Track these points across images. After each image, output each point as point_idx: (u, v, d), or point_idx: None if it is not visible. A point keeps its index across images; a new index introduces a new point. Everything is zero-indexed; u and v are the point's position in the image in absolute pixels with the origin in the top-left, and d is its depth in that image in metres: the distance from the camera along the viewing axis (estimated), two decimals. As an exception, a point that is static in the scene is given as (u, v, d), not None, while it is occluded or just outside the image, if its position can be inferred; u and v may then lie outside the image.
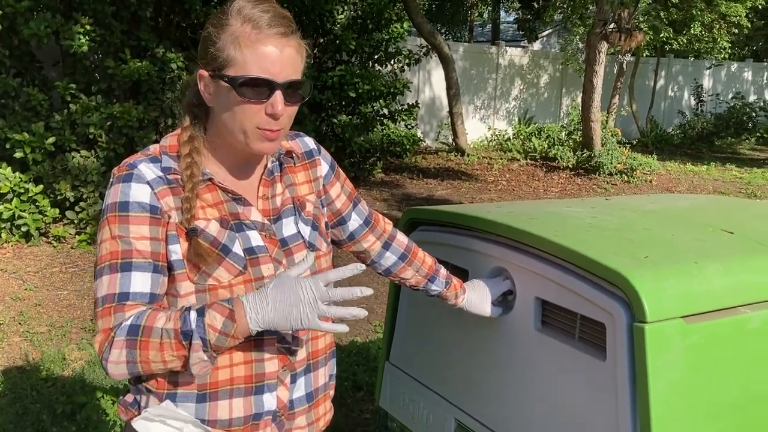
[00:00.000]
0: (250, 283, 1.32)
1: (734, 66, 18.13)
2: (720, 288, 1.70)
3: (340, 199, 1.60)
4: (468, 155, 11.60)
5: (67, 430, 3.19)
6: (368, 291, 1.26)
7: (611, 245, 1.83)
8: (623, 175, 10.62)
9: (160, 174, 1.30)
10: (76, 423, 3.25)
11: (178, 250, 1.29)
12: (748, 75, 18.31)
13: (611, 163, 10.63)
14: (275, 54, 1.25)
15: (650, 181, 10.62)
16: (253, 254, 1.34)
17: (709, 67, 17.09)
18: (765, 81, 18.64)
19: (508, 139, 12.97)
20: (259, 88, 1.25)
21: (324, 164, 1.56)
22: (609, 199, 2.62)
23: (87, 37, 6.24)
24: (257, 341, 1.36)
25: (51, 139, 6.24)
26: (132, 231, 1.26)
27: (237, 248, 1.32)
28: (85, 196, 6.36)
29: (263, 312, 1.23)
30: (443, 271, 1.83)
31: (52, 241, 6.31)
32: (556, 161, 11.27)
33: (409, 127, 10.02)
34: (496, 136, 13.15)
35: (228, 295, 1.30)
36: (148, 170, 1.30)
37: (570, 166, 11.05)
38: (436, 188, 9.64)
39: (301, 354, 1.44)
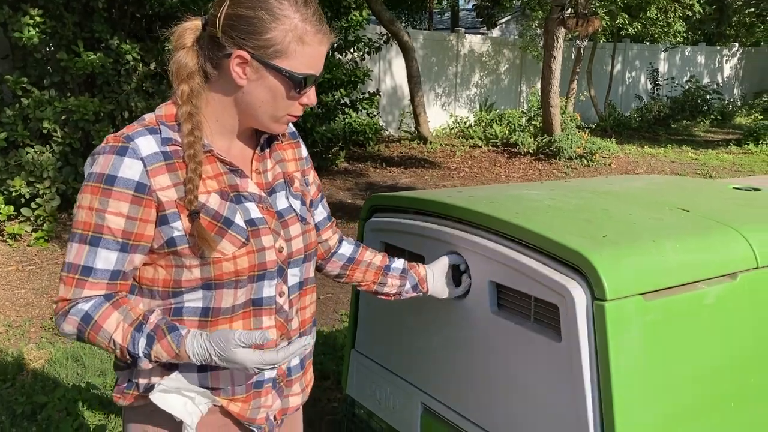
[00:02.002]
0: (252, 255, 1.36)
1: (688, 50, 18.48)
2: (677, 265, 1.73)
3: (314, 185, 1.63)
4: (430, 143, 11.63)
5: (28, 430, 3.12)
6: (305, 341, 1.35)
7: (570, 226, 1.85)
8: (583, 159, 10.76)
9: (160, 148, 1.30)
10: (37, 423, 3.18)
11: (180, 227, 1.31)
12: (701, 59, 18.69)
13: (571, 147, 10.77)
14: (323, 53, 1.35)
15: (609, 165, 10.79)
16: (254, 226, 1.37)
17: (666, 50, 17.39)
18: (717, 64, 19.05)
19: (470, 126, 13.03)
20: (303, 84, 1.32)
21: (304, 148, 1.62)
22: (568, 182, 2.65)
23: (37, 28, 6.07)
24: (256, 311, 1.41)
25: (2, 135, 6.06)
26: (111, 206, 1.27)
27: (239, 220, 1.36)
28: (41, 192, 6.20)
29: (209, 363, 1.31)
30: (399, 259, 1.82)
31: (7, 240, 6.15)
32: (517, 147, 11.36)
33: (371, 115, 9.99)
34: (458, 123, 13.20)
35: (232, 267, 1.33)
36: (146, 144, 1.29)
37: (531, 151, 11.16)
38: (400, 176, 9.65)
39: (295, 323, 1.49)
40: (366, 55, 9.79)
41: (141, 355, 1.29)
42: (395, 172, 9.89)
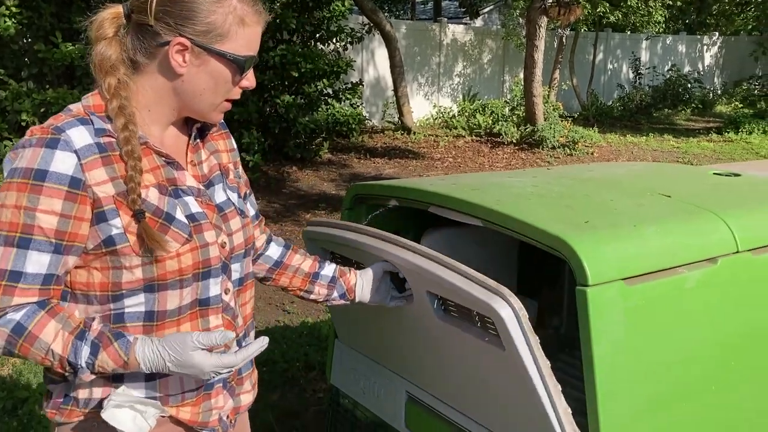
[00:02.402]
0: (196, 251, 1.30)
1: (669, 39, 18.58)
2: (658, 250, 1.74)
3: (242, 179, 1.55)
4: (414, 133, 11.61)
5: (9, 425, 3.09)
6: (263, 341, 1.31)
7: (552, 212, 1.85)
8: (566, 148, 10.80)
9: (93, 139, 1.22)
10: (18, 418, 3.15)
11: (119, 224, 1.23)
12: (682, 48, 18.80)
13: (554, 136, 10.80)
14: (260, 33, 1.32)
15: (592, 154, 10.84)
16: (195, 221, 1.31)
17: (647, 39, 17.47)
18: (698, 53, 19.17)
19: (453, 116, 13.03)
20: (246, 66, 1.29)
21: (233, 140, 1.55)
22: (550, 169, 2.65)
23: (13, 19, 5.98)
24: (203, 311, 1.35)
25: (-20, 128, 5.99)
26: (42, 203, 1.17)
27: (180, 215, 1.29)
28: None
29: (160, 370, 1.25)
30: (331, 265, 1.74)
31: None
32: (501, 137, 11.38)
33: (354, 106, 9.96)
34: (441, 113, 13.19)
35: (176, 266, 1.27)
36: (79, 135, 1.21)
37: (514, 141, 11.18)
38: (384, 167, 9.64)
39: (240, 320, 1.45)
40: (348, 45, 9.74)
41: (83, 365, 1.20)
42: (379, 163, 9.88)
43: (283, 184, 8.51)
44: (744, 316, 1.87)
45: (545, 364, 1.57)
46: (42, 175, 1.17)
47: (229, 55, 1.26)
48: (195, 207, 1.32)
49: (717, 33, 19.82)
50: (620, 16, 14.69)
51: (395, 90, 11.56)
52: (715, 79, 19.53)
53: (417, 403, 2.17)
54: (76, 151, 1.19)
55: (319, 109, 9.37)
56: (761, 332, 1.91)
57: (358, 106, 10.14)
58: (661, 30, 16.74)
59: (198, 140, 1.41)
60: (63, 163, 1.18)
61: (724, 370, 1.82)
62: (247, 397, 1.53)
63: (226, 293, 1.38)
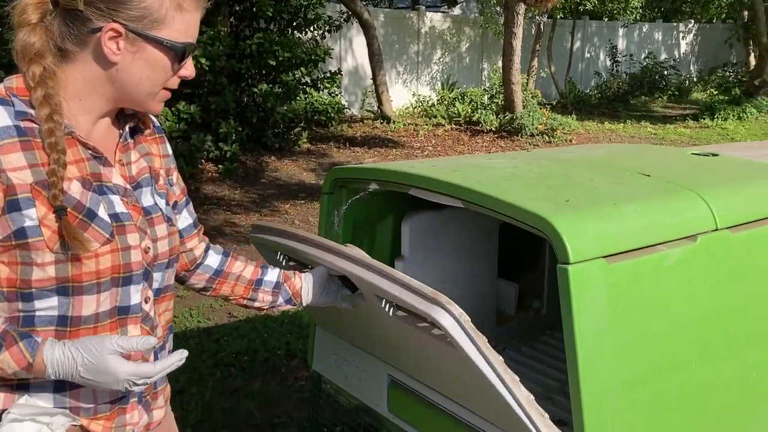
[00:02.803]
0: (117, 253, 1.22)
1: (645, 27, 18.70)
2: (638, 228, 1.74)
3: (178, 186, 1.49)
4: (394, 122, 11.58)
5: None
6: (182, 354, 1.23)
7: (533, 192, 1.84)
8: (544, 135, 10.85)
9: (12, 122, 1.14)
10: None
11: (33, 215, 1.13)
12: (658, 35, 18.94)
13: (533, 124, 10.84)
14: (199, 19, 1.26)
15: (570, 141, 10.90)
16: (119, 221, 1.23)
17: (624, 26, 17.56)
18: (674, 41, 19.33)
19: (433, 104, 13.01)
20: (184, 53, 1.23)
21: (168, 145, 1.48)
22: (530, 152, 2.65)
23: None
24: (122, 320, 1.27)
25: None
26: None
27: (102, 213, 1.21)
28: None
29: (69, 377, 1.15)
30: (274, 270, 1.67)
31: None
32: (480, 125, 11.40)
33: (332, 95, 9.90)
34: (421, 102, 13.16)
35: (93, 267, 1.19)
36: None
37: (493, 129, 11.20)
38: (364, 156, 9.61)
39: (159, 330, 1.37)
40: (326, 33, 9.67)
41: None
42: (359, 152, 9.84)
43: (261, 174, 8.45)
44: (722, 293, 1.89)
45: (497, 360, 1.55)
46: None
47: (166, 42, 1.19)
48: (120, 206, 1.25)
49: (692, 20, 19.99)
50: (597, 3, 14.75)
51: (374, 79, 11.52)
52: (691, 67, 19.71)
53: (399, 386, 2.17)
54: None
55: (298, 98, 9.30)
56: (739, 309, 1.93)
57: (336, 95, 10.09)
58: (637, 17, 16.84)
59: (129, 140, 1.33)
60: None
61: (703, 346, 1.83)
62: (160, 413, 1.42)
63: (146, 302, 1.30)
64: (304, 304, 1.69)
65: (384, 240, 2.50)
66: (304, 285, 1.68)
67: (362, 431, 2.48)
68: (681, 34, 19.48)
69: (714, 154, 2.43)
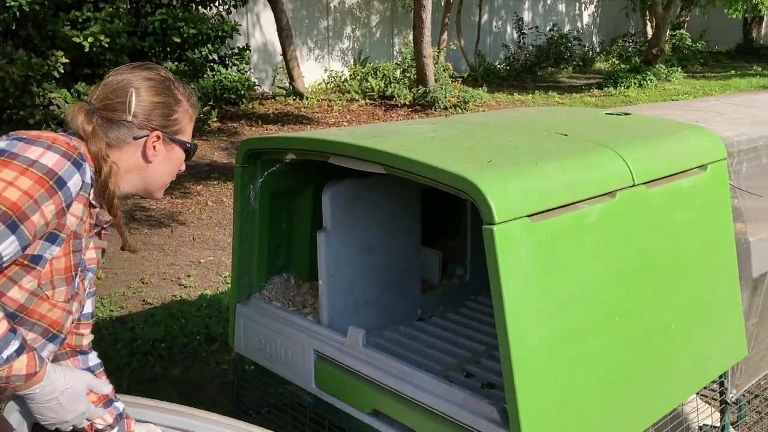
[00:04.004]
0: (65, 312, 1.41)
1: (549, -1, 19.11)
2: (560, 186, 1.73)
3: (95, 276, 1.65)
4: (307, 98, 11.38)
5: None
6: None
7: (454, 154, 1.81)
8: (457, 108, 10.93)
9: (88, 180, 1.36)
10: None
11: (54, 252, 1.33)
12: (562, 7, 19.39)
13: (445, 97, 10.90)
14: None
15: (483, 113, 11.05)
16: (75, 291, 1.43)
17: (529, -2, 17.89)
18: (577, 12, 19.86)
19: (345, 80, 12.87)
20: (193, 152, 1.57)
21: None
22: (448, 117, 2.62)
23: None
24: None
25: None
26: (46, 205, 1.27)
27: (78, 280, 1.42)
28: None
29: (49, 395, 1.34)
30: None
31: None
32: (394, 99, 11.36)
33: (242, 71, 9.60)
34: (333, 77, 12.99)
35: (45, 311, 1.36)
36: (87, 172, 1.36)
37: (407, 103, 11.20)
38: (277, 133, 9.40)
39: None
40: (232, 8, 9.34)
41: (5, 357, 1.25)
42: (272, 130, 9.63)
43: (171, 155, 8.13)
44: (641, 248, 1.92)
45: None
46: (61, 184, 1.29)
47: (188, 144, 1.52)
48: (78, 279, 1.44)
49: (593, -8, 20.58)
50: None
51: (284, 54, 11.26)
52: (594, 38, 20.33)
53: (326, 361, 2.11)
54: (83, 182, 1.34)
55: (205, 75, 8.96)
56: (657, 263, 1.97)
57: (246, 71, 9.79)
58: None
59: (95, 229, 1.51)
60: (75, 186, 1.32)
61: (626, 301, 1.86)
62: None
63: (48, 358, 1.45)
64: None
65: (304, 212, 2.42)
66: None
67: (290, 410, 2.42)
68: (583, 6, 20.04)
69: (626, 114, 2.47)
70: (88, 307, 1.60)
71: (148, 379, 3.34)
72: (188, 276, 4.83)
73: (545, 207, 1.66)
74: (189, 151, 1.54)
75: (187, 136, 1.53)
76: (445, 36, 14.16)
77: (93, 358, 1.64)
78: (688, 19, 19.78)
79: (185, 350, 3.64)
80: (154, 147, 1.46)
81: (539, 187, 1.68)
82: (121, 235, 1.50)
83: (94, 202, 1.40)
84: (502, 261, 1.54)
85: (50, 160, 1.29)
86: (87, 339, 1.64)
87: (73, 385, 1.37)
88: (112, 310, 4.18)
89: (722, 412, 2.33)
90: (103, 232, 1.51)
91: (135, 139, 1.44)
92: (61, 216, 1.31)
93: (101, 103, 1.43)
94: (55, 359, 1.58)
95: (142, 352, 3.59)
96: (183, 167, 1.58)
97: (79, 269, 1.42)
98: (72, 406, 1.36)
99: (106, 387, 1.50)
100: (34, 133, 1.35)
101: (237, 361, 2.50)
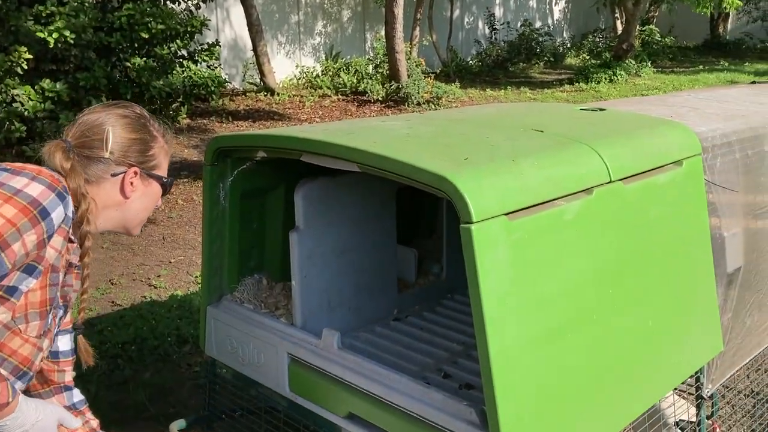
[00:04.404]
0: (36, 348, 1.41)
1: (520, -5, 19.18)
2: (537, 183, 1.70)
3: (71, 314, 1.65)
4: (278, 94, 11.27)
5: None
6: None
7: (430, 151, 1.77)
8: (430, 104, 10.91)
9: (69, 214, 1.36)
10: None
11: (30, 284, 1.33)
12: (533, 3, 19.48)
13: (418, 93, 10.88)
14: None
15: (456, 108, 11.05)
16: (47, 327, 1.43)
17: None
18: (548, 7, 19.98)
19: (317, 75, 12.78)
20: (170, 186, 1.59)
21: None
22: (423, 113, 2.58)
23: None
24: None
25: None
26: (28, 235, 1.27)
27: (51, 318, 1.42)
28: None
29: (19, 427, 1.35)
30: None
31: None
32: (367, 95, 11.31)
33: (212, 67, 9.46)
34: (305, 73, 12.89)
35: (16, 347, 1.36)
36: (69, 205, 1.37)
37: (380, 99, 11.15)
38: (248, 130, 9.29)
39: None
40: (201, 3, 9.20)
41: None
42: (243, 126, 9.52)
43: (140, 153, 7.98)
44: (618, 245, 1.90)
45: None
46: (44, 214, 1.30)
47: (164, 179, 1.55)
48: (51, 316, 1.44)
49: (563, -12, 20.70)
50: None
51: (255, 50, 11.14)
52: (564, 33, 20.47)
53: (300, 364, 2.06)
54: (66, 215, 1.35)
55: (174, 71, 8.80)
56: (633, 258, 1.95)
57: (216, 67, 9.65)
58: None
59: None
60: (57, 218, 1.32)
61: (603, 298, 1.84)
62: None
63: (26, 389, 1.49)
64: None
65: (276, 212, 2.37)
66: None
67: (263, 414, 2.36)
68: (554, 1, 20.15)
69: (601, 109, 2.46)
70: (68, 344, 1.62)
71: (118, 382, 3.26)
72: (158, 276, 4.73)
73: (523, 205, 1.63)
74: (166, 185, 1.56)
75: (163, 171, 1.56)
76: (417, 32, 14.12)
77: (77, 395, 1.65)
78: (656, 14, 19.99)
79: (156, 352, 3.56)
80: (132, 183, 1.49)
81: (517, 184, 1.65)
82: (82, 281, 1.49)
83: (72, 238, 1.41)
84: (480, 260, 1.50)
85: (35, 190, 1.31)
86: (69, 375, 1.65)
87: (44, 418, 1.38)
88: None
89: (698, 407, 2.33)
90: (75, 272, 1.51)
91: (113, 175, 1.46)
92: (41, 247, 1.31)
93: (78, 141, 1.45)
94: (39, 396, 1.59)
95: (111, 355, 3.50)
96: (160, 202, 1.61)
97: (54, 305, 1.41)
98: None
99: (76, 421, 1.51)
100: (18, 164, 1.36)
101: (209, 365, 2.43)
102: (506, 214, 1.59)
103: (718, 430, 2.67)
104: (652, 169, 2.02)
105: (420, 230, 2.84)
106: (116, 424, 2.94)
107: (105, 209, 1.48)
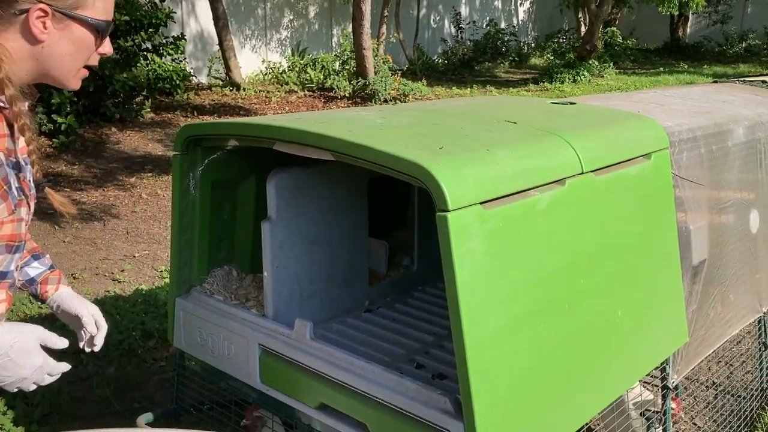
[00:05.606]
0: (14, 224, 1.31)
1: (486, -6, 19.32)
2: (512, 173, 1.71)
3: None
4: (244, 89, 11.17)
5: None
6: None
7: (405, 140, 1.76)
8: (397, 101, 10.92)
9: None
10: None
11: None
12: (498, 3, 19.65)
13: (385, 90, 10.88)
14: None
15: (422, 105, 11.06)
16: (21, 194, 1.32)
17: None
18: (513, 7, 20.16)
19: (284, 71, 12.69)
20: (106, 30, 1.32)
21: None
22: (395, 105, 2.58)
23: None
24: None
25: None
26: None
27: (14, 186, 1.29)
28: None
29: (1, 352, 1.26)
30: (43, 262, 1.69)
31: None
32: (334, 91, 11.27)
33: (177, 61, 9.33)
34: (271, 68, 12.79)
35: None
36: None
37: (347, 95, 11.12)
38: (214, 125, 9.18)
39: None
40: (166, -5, 9.07)
41: None
42: (208, 121, 9.40)
43: (102, 147, 7.83)
44: (589, 236, 1.92)
45: None
46: None
47: (90, 20, 1.28)
48: (16, 181, 1.31)
49: (528, -12, 20.91)
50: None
51: (220, 44, 11.01)
52: (529, 34, 20.68)
53: (271, 355, 2.04)
54: None
55: (138, 64, 8.67)
56: (603, 249, 1.98)
57: (181, 61, 9.52)
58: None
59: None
60: None
61: (574, 288, 1.86)
62: None
63: (16, 270, 1.39)
64: (59, 306, 1.74)
65: (248, 202, 2.34)
66: (54, 301, 1.71)
67: (233, 406, 2.34)
68: (519, 2, 20.35)
69: (572, 102, 2.48)
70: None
71: (81, 378, 3.19)
72: (122, 271, 4.65)
73: (498, 194, 1.64)
74: (97, 29, 1.29)
75: (92, 11, 1.28)
76: (384, 29, 14.14)
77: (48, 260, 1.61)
78: (618, 16, 20.33)
79: (120, 347, 3.49)
80: (43, 24, 1.24)
81: (492, 174, 1.66)
82: (23, 135, 1.31)
83: (9, 117, 1.26)
84: (455, 248, 1.50)
85: None
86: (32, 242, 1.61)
87: (21, 339, 1.28)
88: (41, 307, 3.98)
89: (664, 397, 2.38)
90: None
91: (16, 14, 1.22)
92: None
93: None
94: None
95: (73, 350, 3.42)
96: (106, 50, 1.35)
97: (10, 178, 1.27)
98: (25, 360, 1.28)
99: (61, 341, 1.36)
100: None
101: (176, 357, 2.40)
102: (481, 203, 1.59)
103: (681, 413, 2.73)
104: (622, 162, 2.05)
105: (391, 223, 2.83)
106: (80, 420, 2.88)
107: (21, 60, 1.26)
